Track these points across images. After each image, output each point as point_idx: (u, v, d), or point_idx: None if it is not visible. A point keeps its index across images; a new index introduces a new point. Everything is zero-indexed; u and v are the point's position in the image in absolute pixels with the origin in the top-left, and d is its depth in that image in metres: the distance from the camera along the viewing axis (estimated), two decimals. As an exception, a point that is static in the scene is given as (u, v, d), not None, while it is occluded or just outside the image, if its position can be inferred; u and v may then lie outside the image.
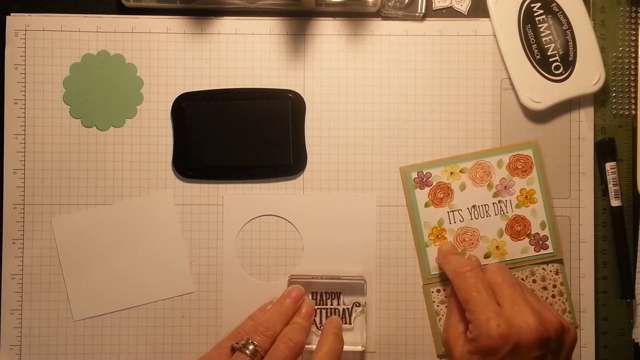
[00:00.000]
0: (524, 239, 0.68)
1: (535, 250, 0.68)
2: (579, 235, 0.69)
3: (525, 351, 0.58)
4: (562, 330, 0.60)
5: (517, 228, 0.68)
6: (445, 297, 0.68)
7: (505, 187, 0.68)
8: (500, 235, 0.68)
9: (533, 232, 0.68)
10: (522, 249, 0.68)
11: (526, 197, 0.68)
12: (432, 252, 0.68)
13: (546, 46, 0.67)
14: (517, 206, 0.68)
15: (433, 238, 0.68)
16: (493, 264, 0.65)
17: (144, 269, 0.68)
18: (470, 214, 0.68)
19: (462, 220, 0.68)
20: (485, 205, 0.68)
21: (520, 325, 0.58)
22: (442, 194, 0.68)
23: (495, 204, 0.68)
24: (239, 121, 0.68)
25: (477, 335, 0.59)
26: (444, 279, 0.68)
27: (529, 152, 0.68)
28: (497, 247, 0.68)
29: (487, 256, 0.68)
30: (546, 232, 0.68)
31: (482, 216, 0.68)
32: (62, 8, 0.69)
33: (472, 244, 0.68)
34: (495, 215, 0.68)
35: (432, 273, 0.68)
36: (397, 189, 0.69)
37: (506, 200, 0.68)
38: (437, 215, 0.68)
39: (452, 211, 0.68)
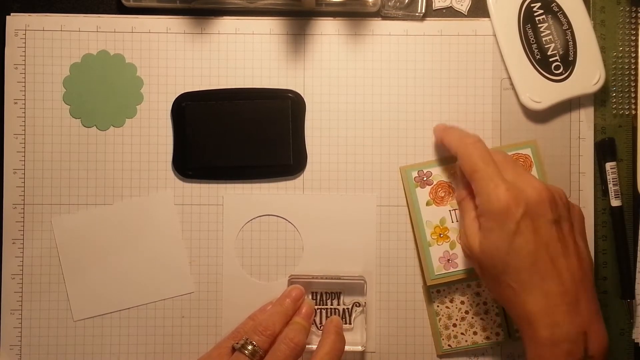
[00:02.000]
0: (524, 238, 0.68)
1: (535, 250, 0.68)
2: (579, 235, 0.69)
3: (539, 214, 0.57)
4: (567, 199, 0.60)
5: (517, 228, 0.68)
6: (457, 209, 0.66)
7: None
8: (502, 234, 0.68)
9: (533, 232, 0.68)
10: (522, 249, 0.68)
11: (526, 197, 0.68)
12: (436, 251, 0.68)
13: (546, 46, 0.67)
14: (517, 206, 0.68)
15: (436, 237, 0.68)
16: (493, 149, 0.65)
17: (144, 269, 0.68)
18: (472, 212, 0.68)
19: (463, 219, 0.68)
20: (485, 204, 0.68)
21: (527, 189, 0.57)
22: (443, 193, 0.68)
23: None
24: (239, 121, 0.68)
25: (486, 205, 0.58)
26: (447, 279, 0.68)
27: (527, 152, 0.68)
28: (497, 246, 0.68)
29: (488, 255, 0.68)
30: (546, 232, 0.68)
31: (484, 215, 0.68)
32: (62, 8, 0.69)
33: (474, 242, 0.68)
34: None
35: (437, 273, 0.68)
36: (397, 189, 0.69)
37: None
38: (439, 214, 0.68)
39: (454, 209, 0.68)
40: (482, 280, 0.62)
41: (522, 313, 0.57)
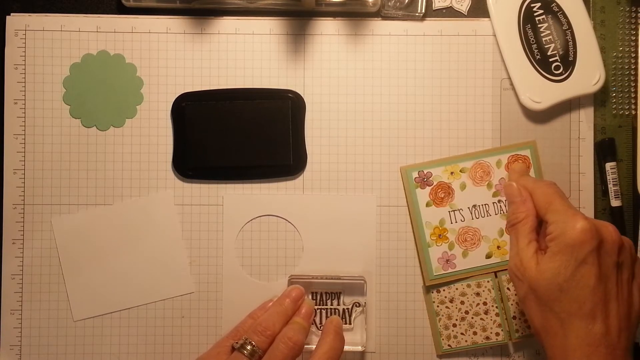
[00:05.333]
0: (524, 238, 0.68)
1: (535, 250, 0.68)
2: (579, 235, 0.69)
3: (607, 252, 0.57)
4: (636, 252, 0.60)
5: (517, 228, 0.68)
6: (507, 235, 0.65)
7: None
8: (501, 235, 0.68)
9: (533, 232, 0.68)
10: (522, 249, 0.68)
11: (526, 197, 0.68)
12: (435, 252, 0.68)
13: (546, 46, 0.67)
14: (517, 206, 0.68)
15: (435, 238, 0.68)
16: None
17: (144, 269, 0.68)
18: (471, 213, 0.68)
19: (463, 219, 0.68)
20: (485, 204, 0.68)
21: (602, 227, 0.58)
22: (442, 194, 0.68)
23: (495, 204, 0.68)
24: (239, 121, 0.68)
25: (562, 232, 0.58)
26: (445, 280, 0.68)
27: (526, 152, 0.68)
28: (498, 246, 0.68)
29: (488, 256, 0.68)
30: (546, 232, 0.68)
31: (483, 215, 0.68)
32: (62, 8, 0.69)
33: (474, 244, 0.68)
34: (495, 214, 0.68)
35: (435, 274, 0.68)
36: (397, 189, 0.69)
37: (505, 200, 0.68)
38: (439, 214, 0.68)
39: (453, 211, 0.68)
40: (522, 305, 0.61)
41: (561, 344, 0.57)
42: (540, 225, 0.62)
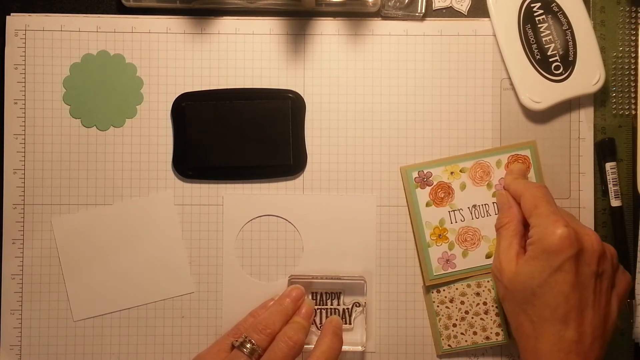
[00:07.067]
0: (523, 238, 0.68)
1: (535, 250, 0.68)
2: (579, 235, 0.69)
3: (586, 261, 0.57)
4: (618, 261, 0.60)
5: (517, 228, 0.68)
6: (500, 230, 0.65)
7: (504, 186, 0.68)
8: (501, 234, 0.68)
9: (533, 232, 0.68)
10: (522, 249, 0.68)
11: (526, 197, 0.68)
12: (435, 252, 0.68)
13: (546, 46, 0.67)
14: (517, 206, 0.68)
15: (435, 238, 0.68)
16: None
17: (144, 269, 0.68)
18: (471, 213, 0.68)
19: (463, 219, 0.68)
20: (485, 204, 0.68)
21: (584, 235, 0.58)
22: (442, 194, 0.68)
23: (495, 204, 0.68)
24: (239, 121, 0.68)
25: (541, 237, 0.58)
26: (445, 280, 0.68)
27: (526, 152, 0.68)
28: (497, 247, 0.68)
29: (488, 256, 0.68)
30: (546, 232, 0.68)
31: (483, 215, 0.68)
32: (62, 8, 0.69)
33: (474, 243, 0.68)
34: (495, 214, 0.68)
35: (435, 274, 0.68)
36: (397, 189, 0.69)
37: (506, 201, 0.68)
38: (439, 214, 0.68)
39: (453, 211, 0.68)
40: (503, 305, 0.62)
41: (532, 348, 0.57)
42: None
